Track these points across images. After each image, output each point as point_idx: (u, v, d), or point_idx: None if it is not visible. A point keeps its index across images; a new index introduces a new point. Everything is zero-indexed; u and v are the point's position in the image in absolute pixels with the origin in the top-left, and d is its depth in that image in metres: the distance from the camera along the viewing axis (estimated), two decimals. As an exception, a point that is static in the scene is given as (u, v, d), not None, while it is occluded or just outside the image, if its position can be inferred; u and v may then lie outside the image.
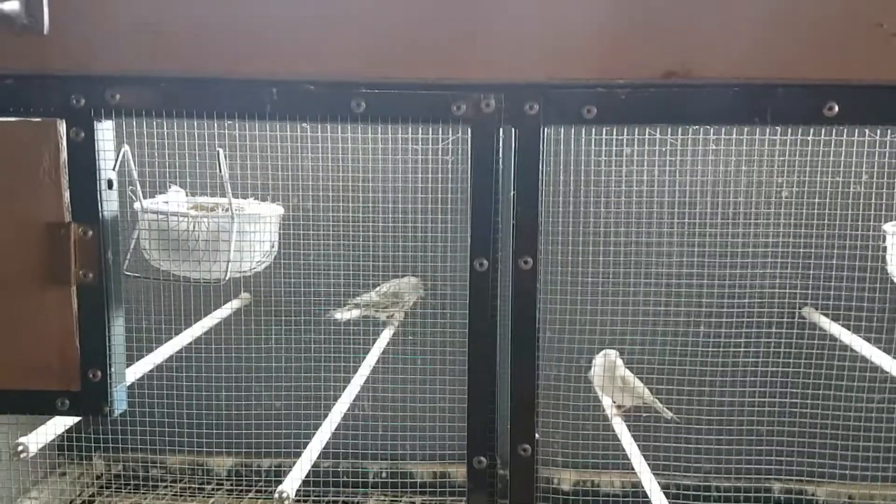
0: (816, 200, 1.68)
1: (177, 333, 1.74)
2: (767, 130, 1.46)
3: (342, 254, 1.86)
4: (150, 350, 1.64)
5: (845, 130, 1.45)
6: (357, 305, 1.86)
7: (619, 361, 1.70)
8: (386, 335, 1.86)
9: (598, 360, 1.71)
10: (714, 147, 1.62)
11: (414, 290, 1.87)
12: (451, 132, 1.69)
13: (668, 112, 1.01)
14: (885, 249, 1.58)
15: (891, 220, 1.60)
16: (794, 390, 1.77)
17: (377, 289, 1.88)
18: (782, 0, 0.98)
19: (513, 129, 1.02)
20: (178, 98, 1.06)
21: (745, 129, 1.48)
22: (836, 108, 0.99)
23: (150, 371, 1.58)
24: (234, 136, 1.62)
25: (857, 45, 0.98)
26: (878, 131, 1.49)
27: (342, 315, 1.83)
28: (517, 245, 1.04)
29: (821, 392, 1.67)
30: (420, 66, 1.03)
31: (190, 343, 1.74)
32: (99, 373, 1.09)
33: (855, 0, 0.97)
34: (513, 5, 1.00)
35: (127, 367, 1.20)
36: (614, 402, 1.69)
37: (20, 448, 1.29)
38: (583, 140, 1.52)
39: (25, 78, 1.06)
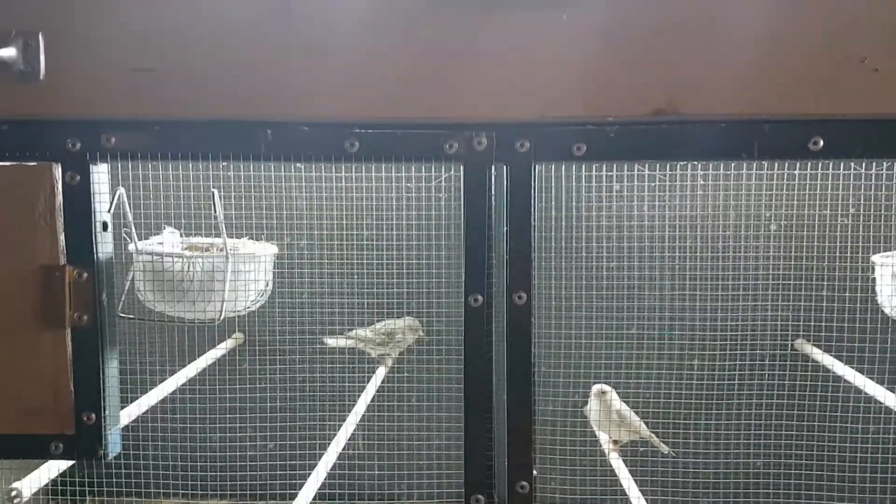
0: (805, 233, 1.70)
1: (170, 374, 1.73)
2: (755, 165, 1.48)
3: (336, 291, 1.86)
4: (143, 392, 1.63)
5: (831, 164, 1.47)
6: (350, 337, 1.86)
7: (614, 396, 1.69)
8: (380, 374, 1.86)
9: (593, 394, 1.71)
10: (702, 182, 1.64)
11: (411, 331, 1.87)
12: (443, 170, 1.71)
13: (656, 148, 1.03)
14: (874, 280, 1.59)
15: (879, 252, 1.62)
16: (790, 422, 1.77)
17: (372, 326, 1.88)
18: (766, 37, 1.01)
19: (504, 167, 1.04)
20: (173, 141, 1.07)
21: (733, 164, 1.50)
22: (822, 143, 1.01)
23: (144, 413, 1.57)
24: (230, 177, 1.64)
25: (841, 80, 1.00)
26: (864, 164, 1.51)
27: (334, 342, 1.85)
28: (511, 280, 1.04)
29: (815, 423, 1.67)
30: (412, 105, 1.04)
31: (183, 384, 1.73)
32: (93, 416, 1.08)
33: (837, 36, 1.00)
34: (502, 45, 1.02)
35: (121, 409, 1.20)
36: (611, 438, 1.68)
37: (14, 493, 1.28)
38: (573, 176, 1.53)
39: (22, 123, 1.07)
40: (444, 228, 1.76)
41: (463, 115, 1.04)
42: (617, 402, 1.69)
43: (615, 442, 1.68)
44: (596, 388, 1.71)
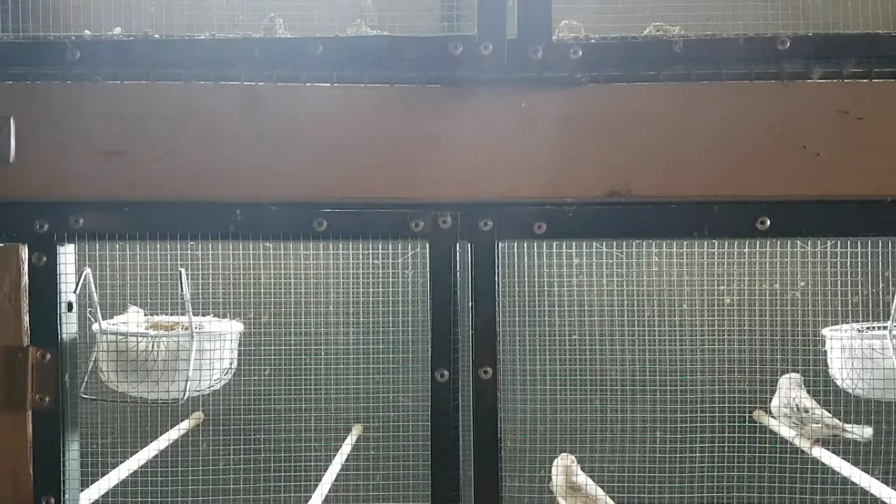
0: (757, 308, 1.75)
1: (131, 455, 1.69)
2: (706, 243, 1.54)
3: (302, 368, 1.85)
4: (103, 473, 1.59)
5: (778, 242, 1.53)
6: None
7: (575, 467, 1.69)
8: (345, 451, 1.84)
9: (555, 466, 1.70)
10: (656, 259, 1.69)
11: None
12: (410, 247, 1.74)
13: (612, 227, 1.08)
14: (824, 353, 1.64)
15: (829, 325, 1.67)
16: (751, 494, 1.78)
17: None
18: (715, 125, 1.07)
19: (469, 244, 1.07)
20: (142, 222, 1.09)
21: (685, 243, 1.56)
22: (768, 222, 1.06)
23: (104, 496, 1.53)
24: (197, 256, 1.64)
25: (785, 164, 1.06)
26: (809, 242, 1.58)
27: None
28: (477, 355, 1.07)
29: (776, 495, 1.69)
30: (379, 186, 1.08)
31: (144, 465, 1.69)
32: (52, 500, 1.06)
33: (780, 124, 1.07)
34: (465, 130, 1.07)
35: (80, 491, 1.17)
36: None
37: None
38: (535, 253, 1.57)
39: (-10, 205, 1.07)
40: (411, 304, 1.78)
41: (428, 195, 1.08)
42: (575, 474, 1.68)
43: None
44: (560, 457, 1.70)
